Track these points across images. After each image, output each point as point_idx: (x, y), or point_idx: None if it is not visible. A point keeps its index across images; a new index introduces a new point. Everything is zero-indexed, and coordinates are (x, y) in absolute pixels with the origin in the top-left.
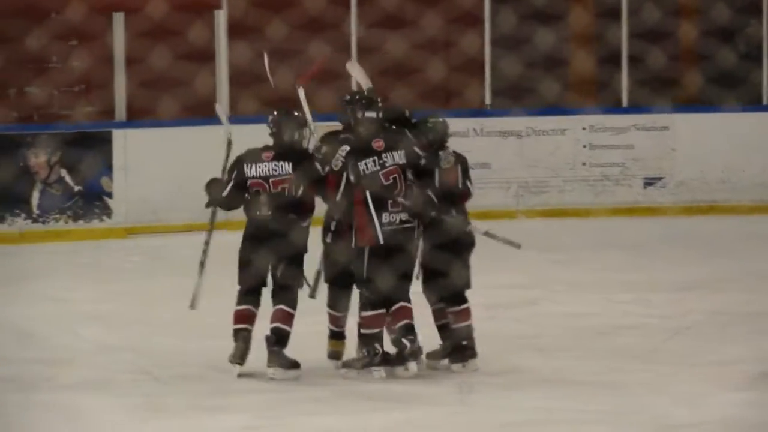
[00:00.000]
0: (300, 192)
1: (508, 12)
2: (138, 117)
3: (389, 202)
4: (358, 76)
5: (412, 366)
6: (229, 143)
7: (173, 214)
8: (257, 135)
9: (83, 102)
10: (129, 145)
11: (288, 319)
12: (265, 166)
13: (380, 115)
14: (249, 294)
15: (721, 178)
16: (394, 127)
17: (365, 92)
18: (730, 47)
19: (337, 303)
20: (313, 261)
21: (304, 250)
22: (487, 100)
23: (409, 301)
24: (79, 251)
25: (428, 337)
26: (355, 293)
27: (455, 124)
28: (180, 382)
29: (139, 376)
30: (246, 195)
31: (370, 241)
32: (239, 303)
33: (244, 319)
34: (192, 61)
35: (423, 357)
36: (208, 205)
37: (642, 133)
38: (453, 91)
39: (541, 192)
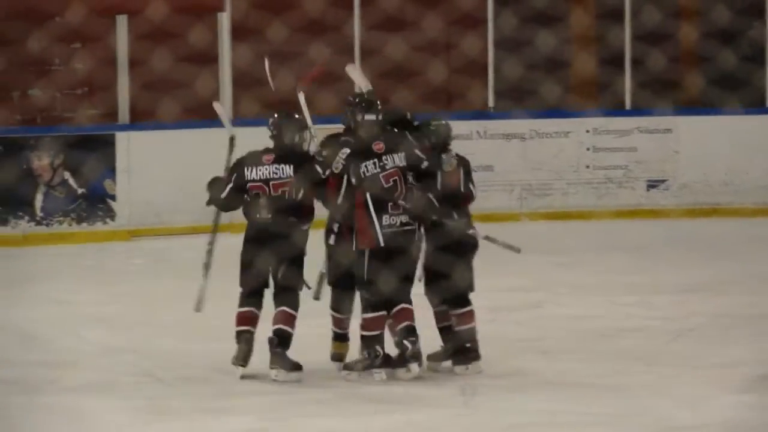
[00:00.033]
0: (300, 195)
1: (508, 14)
2: (141, 119)
3: (390, 204)
4: (358, 79)
5: (414, 368)
6: (232, 140)
7: (176, 216)
8: (258, 137)
9: (86, 104)
10: (132, 147)
11: (290, 320)
12: (266, 169)
13: (380, 117)
14: (251, 296)
15: (724, 180)
16: (395, 129)
17: (365, 95)
18: (732, 49)
19: (340, 305)
20: (314, 264)
21: (304, 252)
22: (491, 103)
23: (410, 302)
24: (82, 254)
25: (429, 339)
26: (359, 295)
27: (458, 126)
28: (183, 384)
29: (143, 378)
30: (245, 197)
31: (370, 244)
32: (241, 305)
33: (247, 321)
34: (194, 64)
35: (424, 359)
36: (208, 204)
37: (645, 135)
38: (455, 93)
39: (545, 195)
